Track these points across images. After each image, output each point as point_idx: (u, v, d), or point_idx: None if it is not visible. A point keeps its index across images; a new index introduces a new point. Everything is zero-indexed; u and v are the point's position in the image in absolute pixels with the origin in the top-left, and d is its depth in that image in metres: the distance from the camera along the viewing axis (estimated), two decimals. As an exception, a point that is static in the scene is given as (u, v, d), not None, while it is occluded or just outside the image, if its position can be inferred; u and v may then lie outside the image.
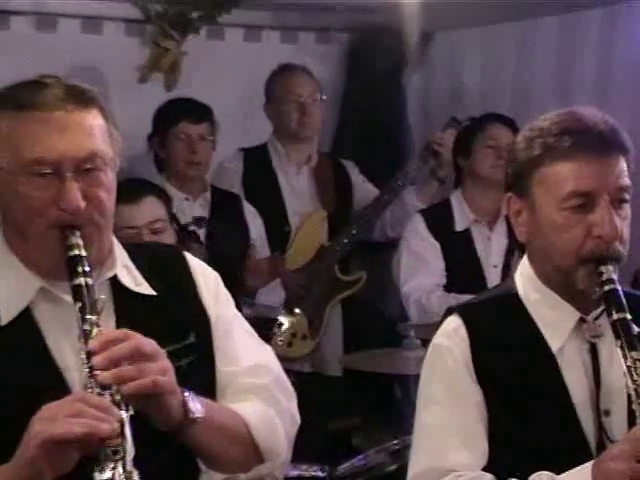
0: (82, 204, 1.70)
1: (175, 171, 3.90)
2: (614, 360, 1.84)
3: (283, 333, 4.11)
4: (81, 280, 1.68)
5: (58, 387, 1.70)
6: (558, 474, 1.76)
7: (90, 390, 1.59)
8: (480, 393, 1.88)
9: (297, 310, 4.17)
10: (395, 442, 3.28)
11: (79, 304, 1.67)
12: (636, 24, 4.04)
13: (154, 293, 1.85)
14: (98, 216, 1.75)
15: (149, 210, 2.87)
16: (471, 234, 3.96)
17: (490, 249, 3.93)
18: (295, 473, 3.11)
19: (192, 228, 3.60)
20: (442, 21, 4.56)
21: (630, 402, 1.75)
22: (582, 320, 1.92)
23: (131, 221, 2.80)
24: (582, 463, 1.74)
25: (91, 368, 1.60)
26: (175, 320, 1.84)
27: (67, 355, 1.73)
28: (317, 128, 4.34)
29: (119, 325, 1.76)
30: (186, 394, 1.71)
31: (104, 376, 1.59)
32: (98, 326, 1.65)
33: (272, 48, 4.69)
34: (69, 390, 1.71)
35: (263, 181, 4.23)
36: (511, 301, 1.96)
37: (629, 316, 1.79)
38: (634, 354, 1.75)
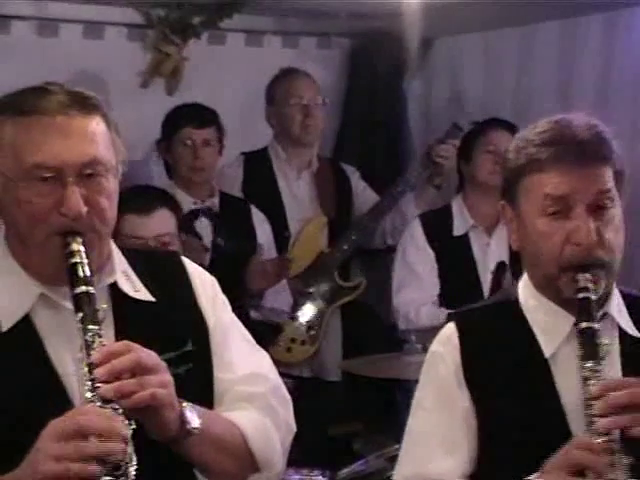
0: (84, 210, 1.69)
1: (181, 176, 3.91)
2: (607, 366, 1.82)
3: (282, 338, 4.11)
4: (82, 289, 1.67)
5: (57, 393, 1.70)
6: None
7: (92, 403, 1.59)
8: (469, 400, 1.89)
9: (297, 315, 4.17)
10: (396, 447, 3.26)
11: (80, 314, 1.66)
12: (637, 29, 4.04)
13: (153, 299, 1.84)
14: (99, 224, 1.74)
15: (159, 222, 2.84)
16: (469, 239, 3.94)
17: (488, 255, 3.89)
18: (296, 478, 3.11)
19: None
20: (443, 26, 4.54)
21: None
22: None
23: (140, 232, 2.77)
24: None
25: (93, 380, 1.60)
26: (173, 327, 1.83)
27: (66, 361, 1.73)
28: (319, 132, 4.33)
29: (118, 332, 1.76)
30: (184, 405, 1.70)
31: (106, 389, 1.59)
32: (100, 337, 1.64)
33: (273, 53, 4.69)
34: (68, 396, 1.71)
35: (263, 186, 4.22)
36: (511, 307, 1.97)
37: (597, 326, 1.79)
38: (589, 364, 1.75)
